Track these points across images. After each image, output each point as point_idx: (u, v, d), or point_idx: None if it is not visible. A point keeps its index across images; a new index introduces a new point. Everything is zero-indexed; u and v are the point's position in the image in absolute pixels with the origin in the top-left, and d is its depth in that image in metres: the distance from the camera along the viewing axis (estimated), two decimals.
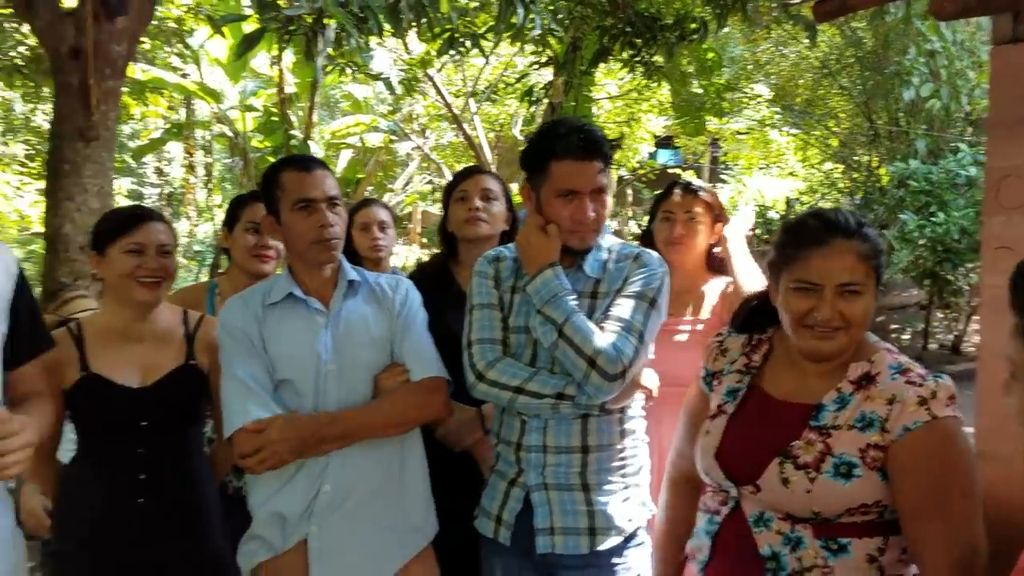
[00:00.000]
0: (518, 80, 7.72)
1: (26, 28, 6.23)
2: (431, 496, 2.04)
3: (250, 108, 10.16)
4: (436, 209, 13.63)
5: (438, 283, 2.34)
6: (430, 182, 13.83)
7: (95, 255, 2.10)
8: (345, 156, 11.20)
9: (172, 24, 6.38)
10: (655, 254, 1.96)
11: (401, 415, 1.94)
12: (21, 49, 6.46)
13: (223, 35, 5.69)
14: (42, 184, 10.91)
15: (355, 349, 1.94)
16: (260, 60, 10.05)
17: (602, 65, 6.62)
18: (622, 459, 1.90)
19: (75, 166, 4.19)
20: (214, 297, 2.58)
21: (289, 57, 8.69)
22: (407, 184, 13.79)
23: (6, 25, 6.08)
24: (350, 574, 1.90)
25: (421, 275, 2.38)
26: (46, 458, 2.17)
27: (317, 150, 10.11)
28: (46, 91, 6.98)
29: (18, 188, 11.11)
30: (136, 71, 6.69)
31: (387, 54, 7.84)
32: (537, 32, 3.90)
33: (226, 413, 1.89)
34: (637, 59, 5.34)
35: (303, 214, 1.91)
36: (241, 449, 1.85)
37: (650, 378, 2.00)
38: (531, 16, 3.57)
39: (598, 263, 1.93)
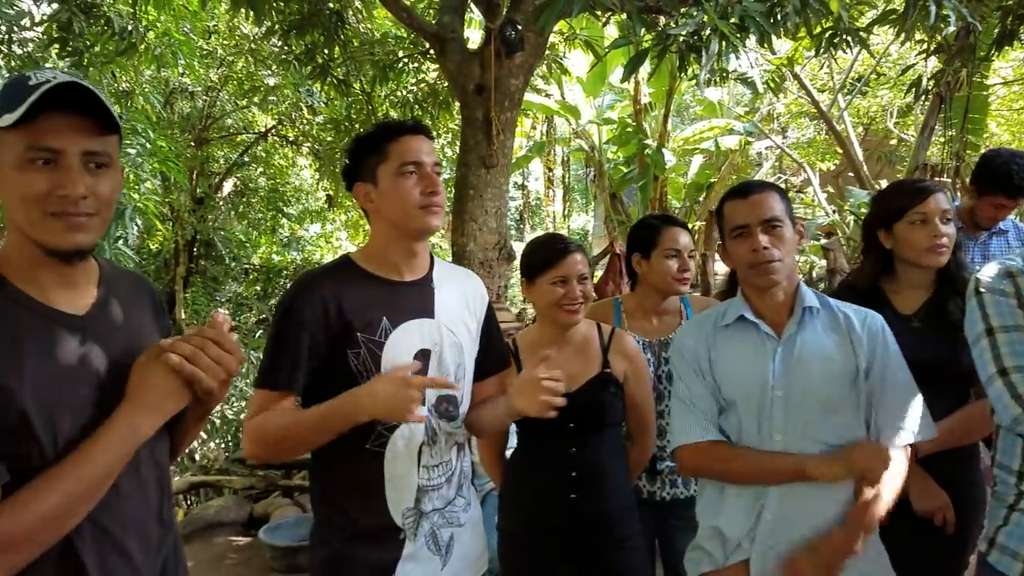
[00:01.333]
0: (903, 72, 7.11)
1: (425, 67, 7.08)
2: (882, 545, 1.92)
3: (608, 121, 10.54)
4: None
5: (868, 303, 2.23)
6: (785, 181, 13.29)
7: (525, 283, 2.36)
8: (696, 161, 11.16)
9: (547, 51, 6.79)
10: None
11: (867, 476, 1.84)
12: (421, 86, 7.32)
13: (597, 57, 5.94)
14: None
15: (807, 379, 1.86)
16: (616, 75, 10.42)
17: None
18: None
19: (477, 191, 4.65)
20: (620, 313, 2.71)
21: (644, 68, 8.87)
22: None
23: (408, 66, 6.91)
24: None
25: (850, 293, 2.28)
26: (499, 452, 2.48)
27: (670, 157, 10.23)
28: (439, 122, 7.83)
29: None
30: None
31: (747, 55, 7.67)
32: (953, 28, 3.53)
33: (671, 428, 2.02)
34: None
35: (739, 240, 1.90)
36: (681, 465, 2.00)
37: None
38: (945, 11, 3.24)
39: None
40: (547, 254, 2.28)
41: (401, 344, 1.78)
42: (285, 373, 1.74)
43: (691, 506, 2.10)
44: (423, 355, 1.81)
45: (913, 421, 1.87)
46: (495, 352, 2.06)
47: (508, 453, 2.52)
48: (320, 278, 1.82)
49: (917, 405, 1.89)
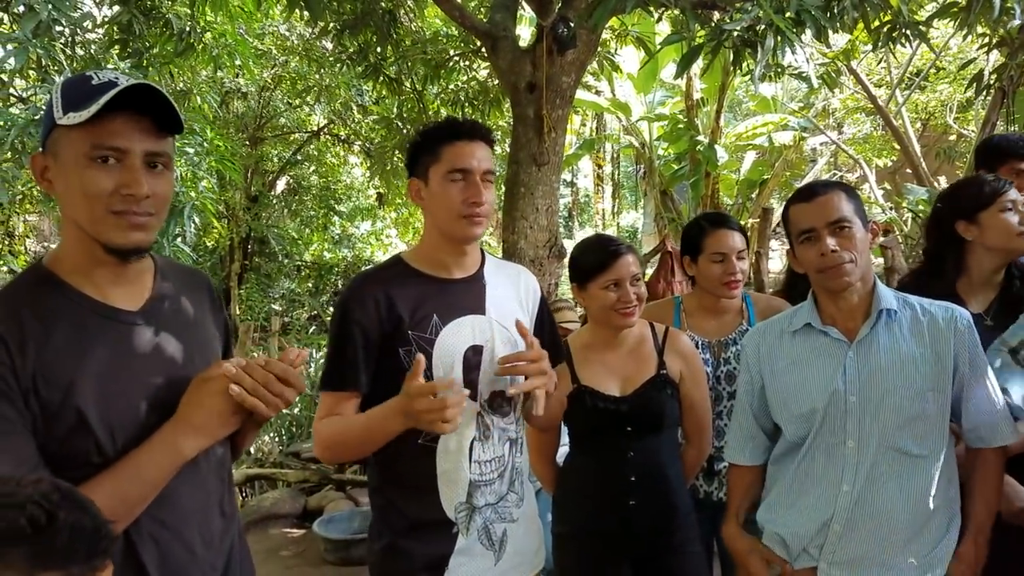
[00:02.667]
0: (963, 66, 6.92)
1: (475, 65, 7.09)
2: None
3: (660, 117, 10.46)
4: None
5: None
6: (840, 178, 13.04)
7: (576, 287, 2.30)
8: (749, 158, 11.01)
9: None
10: None
11: None
12: (471, 83, 7.33)
13: (649, 53, 5.89)
14: None
15: (884, 385, 1.80)
16: (667, 71, 10.32)
17: None
18: None
19: (528, 188, 4.65)
20: (680, 312, 2.67)
21: (697, 63, 8.74)
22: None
23: (460, 65, 6.93)
24: None
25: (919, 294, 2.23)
26: (550, 455, 2.46)
27: (723, 154, 10.10)
28: (489, 120, 7.85)
29: None
30: None
31: (801, 50, 7.51)
32: (1018, 21, 3.43)
33: (728, 437, 2.09)
34: None
35: (807, 244, 1.85)
36: (730, 482, 2.07)
37: None
38: (1010, 4, 3.15)
39: None
40: (598, 257, 2.23)
41: (452, 341, 1.80)
42: (346, 374, 1.78)
43: (751, 508, 2.10)
44: (474, 351, 1.82)
45: (1003, 421, 1.84)
46: (549, 346, 2.04)
47: (559, 458, 2.51)
48: (371, 279, 1.85)
49: (1002, 405, 1.84)
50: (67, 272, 1.30)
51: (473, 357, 1.82)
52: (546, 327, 2.05)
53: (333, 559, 4.42)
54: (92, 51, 6.04)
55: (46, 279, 1.29)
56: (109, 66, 6.26)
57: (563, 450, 2.51)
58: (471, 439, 1.82)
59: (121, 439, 1.25)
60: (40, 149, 1.30)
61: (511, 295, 1.95)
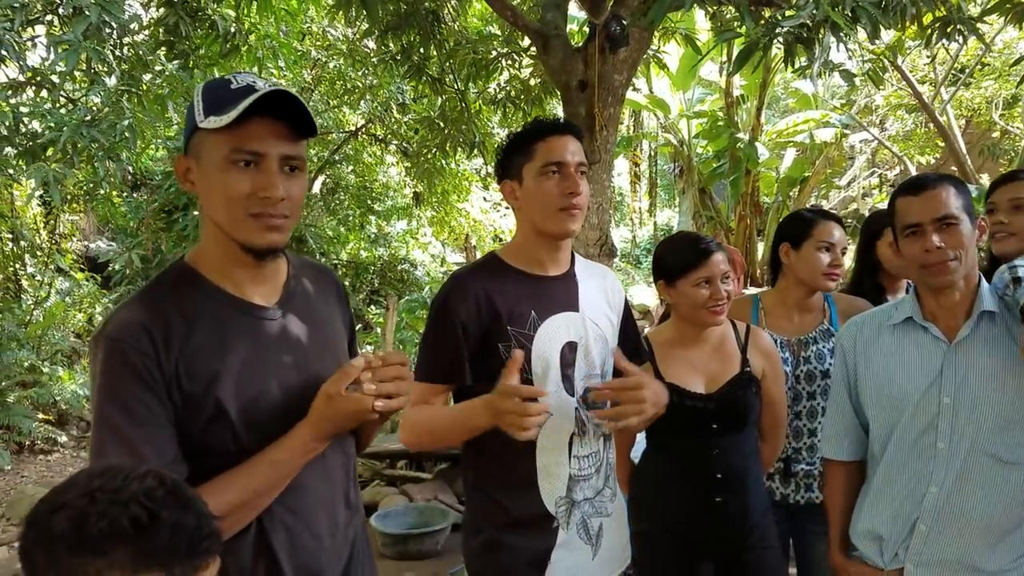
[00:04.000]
0: (1016, 63, 6.79)
1: (518, 64, 7.09)
2: None
3: (700, 115, 10.41)
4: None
5: None
6: (880, 175, 12.89)
7: (663, 284, 2.27)
8: (789, 155, 10.91)
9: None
10: None
11: None
12: (513, 83, 7.33)
13: (696, 51, 5.86)
14: None
15: (980, 388, 1.76)
16: (705, 68, 10.27)
17: None
18: None
19: None
20: (758, 311, 2.63)
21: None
22: (851, 181, 13.03)
23: (503, 63, 6.93)
24: None
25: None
26: (625, 455, 2.47)
27: (763, 151, 10.02)
28: (531, 118, 7.81)
29: (496, 204, 12.88)
30: None
31: (856, 44, 7.41)
32: None
33: (824, 431, 2.06)
34: None
35: (912, 239, 1.80)
36: (828, 490, 2.05)
37: None
38: None
39: None
40: (689, 255, 2.20)
41: (549, 337, 1.83)
42: (441, 368, 1.83)
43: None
44: (570, 347, 1.85)
45: None
46: (632, 346, 2.08)
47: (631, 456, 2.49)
48: (470, 275, 1.89)
49: None
50: (208, 269, 1.35)
51: (569, 353, 1.85)
52: (630, 328, 2.08)
53: (390, 553, 4.49)
54: (140, 52, 6.11)
55: (188, 276, 1.35)
56: (157, 67, 6.35)
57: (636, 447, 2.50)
58: (570, 434, 1.86)
59: (255, 429, 1.30)
60: (183, 151, 1.35)
61: (600, 294, 1.98)
